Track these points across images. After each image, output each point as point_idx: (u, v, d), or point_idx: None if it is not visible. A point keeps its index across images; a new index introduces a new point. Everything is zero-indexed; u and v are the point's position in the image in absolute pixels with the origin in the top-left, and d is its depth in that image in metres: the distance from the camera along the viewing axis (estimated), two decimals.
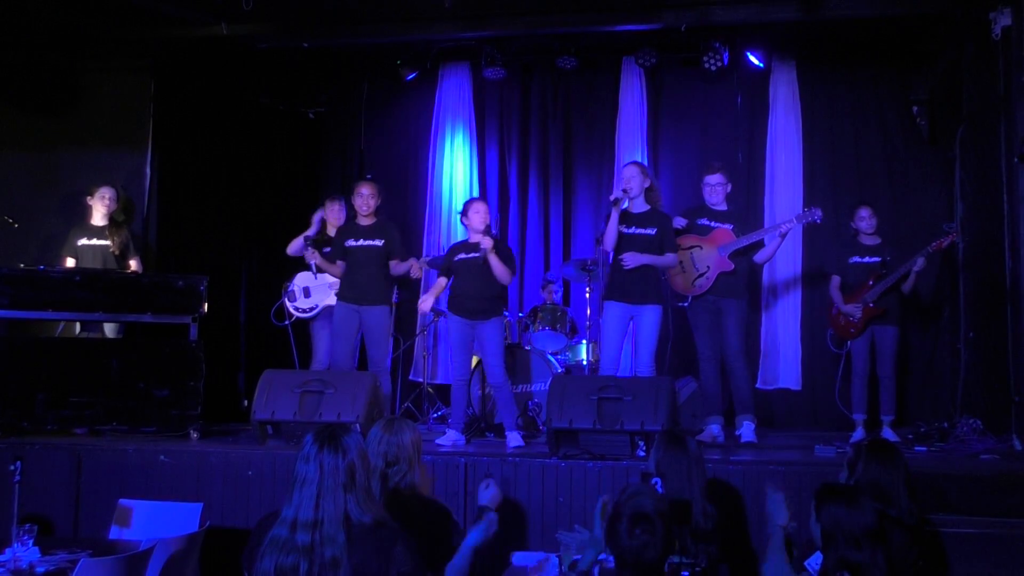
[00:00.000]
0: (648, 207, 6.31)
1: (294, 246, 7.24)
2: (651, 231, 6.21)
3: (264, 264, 8.40)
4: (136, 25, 7.31)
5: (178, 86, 7.82)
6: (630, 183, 6.23)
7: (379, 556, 2.79)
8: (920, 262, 6.47)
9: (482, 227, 6.24)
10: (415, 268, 6.69)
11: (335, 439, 2.88)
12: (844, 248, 6.94)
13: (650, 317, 6.17)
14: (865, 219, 6.78)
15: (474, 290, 6.24)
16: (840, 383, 6.93)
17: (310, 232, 7.12)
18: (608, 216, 6.19)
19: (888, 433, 6.45)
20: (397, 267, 6.58)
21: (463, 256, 6.32)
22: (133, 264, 7.13)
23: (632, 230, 6.21)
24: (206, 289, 6.39)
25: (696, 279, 6.48)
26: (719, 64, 8.14)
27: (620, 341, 6.29)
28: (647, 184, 6.31)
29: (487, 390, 6.89)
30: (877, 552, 3.14)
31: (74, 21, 7.25)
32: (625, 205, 6.18)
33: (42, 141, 7.61)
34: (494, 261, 6.14)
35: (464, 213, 6.39)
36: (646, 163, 8.45)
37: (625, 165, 6.53)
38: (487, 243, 6.12)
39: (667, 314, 6.55)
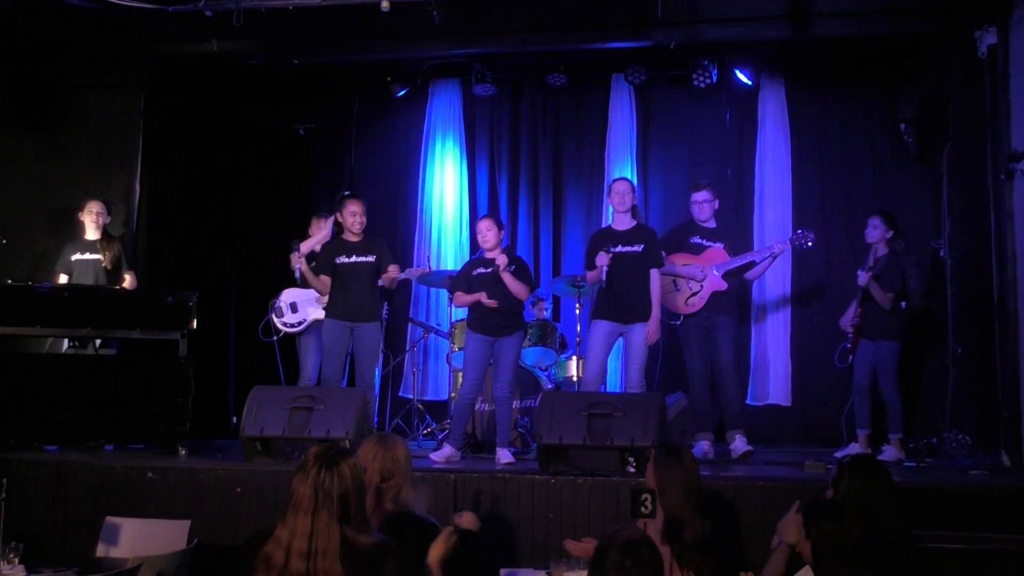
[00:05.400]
0: (634, 223, 6.36)
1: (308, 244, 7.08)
2: (638, 248, 6.27)
3: (254, 280, 8.38)
4: (126, 41, 7.30)
5: (168, 102, 7.81)
6: (624, 198, 6.30)
7: (370, 572, 2.77)
8: (863, 278, 6.40)
9: (490, 245, 6.29)
10: (397, 269, 6.60)
11: (332, 464, 2.82)
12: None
13: (640, 335, 6.21)
14: (868, 227, 6.71)
15: (492, 307, 6.24)
16: (851, 399, 6.86)
17: (302, 245, 6.96)
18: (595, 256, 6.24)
19: (889, 450, 6.36)
20: (387, 278, 6.54)
21: (480, 271, 6.35)
22: (127, 279, 7.08)
23: (618, 248, 6.24)
24: (195, 305, 6.37)
25: (690, 297, 6.52)
26: (708, 81, 8.18)
27: (604, 358, 6.34)
28: (634, 201, 6.39)
29: (480, 407, 6.87)
30: (867, 569, 3.13)
31: (64, 37, 7.25)
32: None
33: (31, 156, 7.58)
34: (508, 278, 6.16)
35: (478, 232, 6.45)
36: (636, 180, 8.52)
37: (617, 180, 6.56)
38: (502, 260, 6.17)
39: (659, 331, 6.58)
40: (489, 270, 6.27)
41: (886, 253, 6.63)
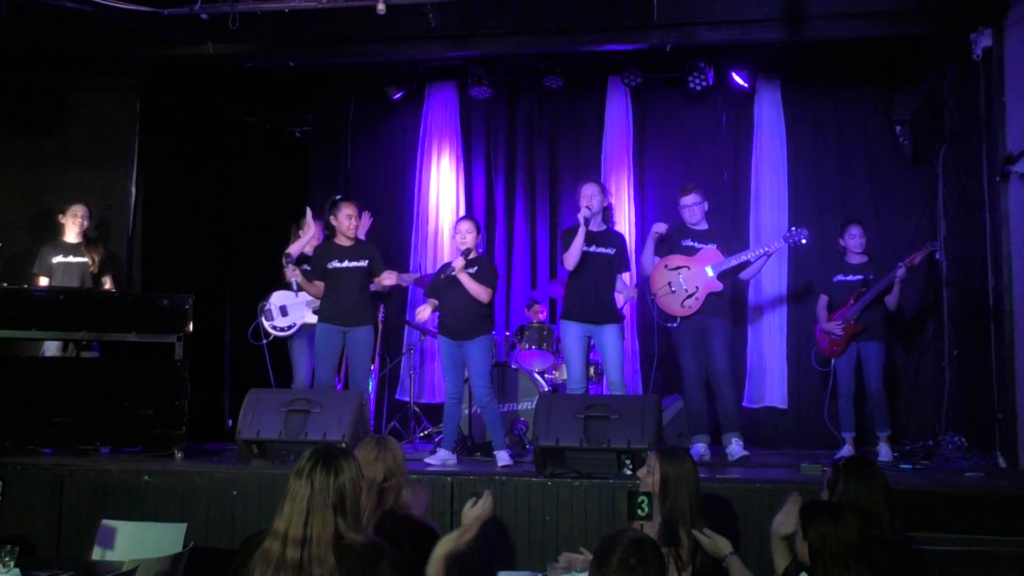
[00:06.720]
0: (605, 226, 6.41)
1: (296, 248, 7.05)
2: (611, 251, 6.31)
3: (249, 282, 8.37)
4: (122, 44, 7.29)
5: (164, 105, 7.81)
6: (591, 201, 6.29)
7: (365, 572, 2.77)
8: (901, 271, 6.46)
9: (462, 247, 6.28)
10: (393, 277, 6.60)
11: (330, 460, 2.85)
12: (830, 266, 6.97)
13: (611, 336, 6.24)
14: (855, 237, 6.78)
15: (454, 309, 6.25)
16: (828, 402, 6.92)
17: (292, 250, 6.93)
18: (572, 233, 6.23)
19: (884, 449, 6.42)
20: (381, 283, 6.53)
21: (443, 275, 6.34)
22: (107, 282, 7.09)
23: (592, 248, 6.26)
24: (191, 308, 6.37)
25: (685, 300, 6.51)
26: (704, 84, 8.20)
27: (582, 360, 6.36)
28: (606, 203, 6.42)
29: (473, 409, 6.88)
30: (863, 570, 3.14)
31: (60, 40, 7.24)
32: (589, 224, 6.21)
33: (27, 160, 7.58)
34: (464, 279, 6.16)
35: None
36: (632, 182, 8.54)
37: (585, 183, 6.52)
38: (458, 262, 6.18)
39: (652, 333, 6.58)
40: (448, 274, 6.27)
41: (865, 261, 6.75)
